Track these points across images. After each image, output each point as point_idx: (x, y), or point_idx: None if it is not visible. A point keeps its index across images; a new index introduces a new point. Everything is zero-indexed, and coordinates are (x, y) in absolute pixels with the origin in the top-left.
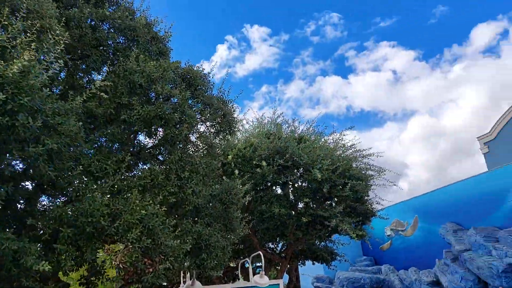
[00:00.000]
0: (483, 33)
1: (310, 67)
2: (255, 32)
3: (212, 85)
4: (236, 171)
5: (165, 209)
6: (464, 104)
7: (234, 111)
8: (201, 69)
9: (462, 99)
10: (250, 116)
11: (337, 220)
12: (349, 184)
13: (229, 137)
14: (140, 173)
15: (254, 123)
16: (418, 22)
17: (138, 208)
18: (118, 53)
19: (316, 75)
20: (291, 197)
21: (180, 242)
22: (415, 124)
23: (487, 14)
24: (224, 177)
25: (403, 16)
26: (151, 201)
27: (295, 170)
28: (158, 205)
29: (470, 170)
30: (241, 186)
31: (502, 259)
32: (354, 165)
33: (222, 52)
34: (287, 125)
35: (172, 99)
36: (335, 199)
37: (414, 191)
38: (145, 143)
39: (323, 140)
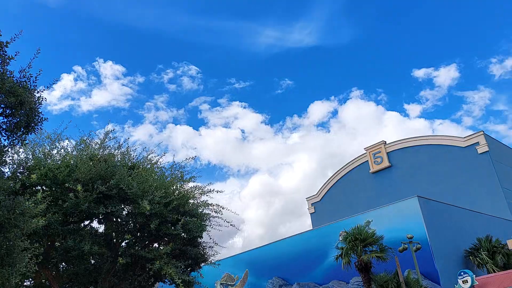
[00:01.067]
0: (318, 110)
1: (163, 113)
2: (108, 68)
3: (8, 59)
4: (40, 194)
5: None
6: (298, 168)
7: (39, 103)
8: None
9: (297, 163)
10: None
11: (162, 262)
12: (181, 220)
13: (33, 148)
14: None
15: (78, 144)
16: (267, 89)
17: None
18: None
19: (168, 122)
20: (113, 234)
21: None
22: (256, 182)
23: (323, 93)
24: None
25: (256, 81)
26: None
27: (121, 203)
28: None
29: (298, 228)
30: (33, 204)
31: None
32: (191, 202)
33: (67, 82)
34: (120, 151)
35: None
36: (166, 238)
37: (248, 246)
38: None
39: (159, 171)
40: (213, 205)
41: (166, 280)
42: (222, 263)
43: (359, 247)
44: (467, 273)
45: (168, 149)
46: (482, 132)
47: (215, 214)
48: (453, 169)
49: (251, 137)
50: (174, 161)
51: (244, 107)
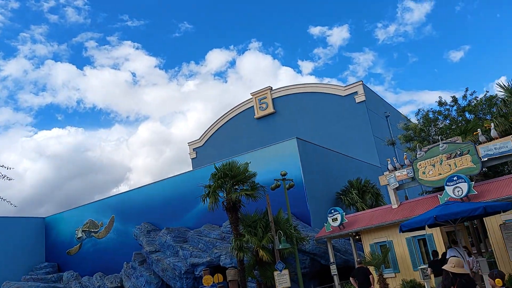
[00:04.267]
0: (216, 58)
1: (41, 47)
2: None
3: None
4: None
5: None
6: (191, 116)
7: None
8: None
9: (191, 112)
10: None
11: None
12: None
13: None
14: None
15: None
16: (164, 31)
17: None
18: None
19: (47, 57)
20: None
21: None
22: (146, 130)
23: (222, 41)
24: None
25: (152, 21)
26: None
27: None
28: None
29: None
30: None
31: (187, 259)
32: None
33: None
34: None
35: None
36: None
37: None
38: None
39: None
40: None
41: None
42: (85, 209)
43: (229, 184)
44: (337, 211)
45: (46, 88)
46: (361, 82)
47: None
48: (333, 116)
49: (143, 81)
50: None
51: (137, 48)
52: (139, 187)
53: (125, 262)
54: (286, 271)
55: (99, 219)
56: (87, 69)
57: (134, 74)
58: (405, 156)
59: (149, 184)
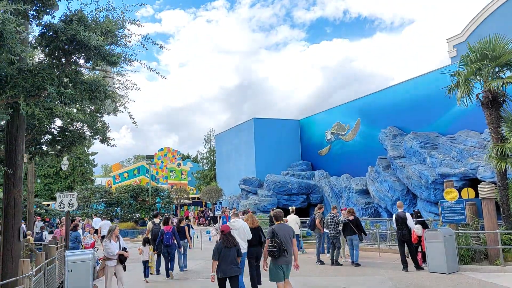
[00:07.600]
0: None
1: None
2: None
3: None
4: None
5: None
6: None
7: None
8: None
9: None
10: None
11: None
12: None
13: None
14: None
15: None
16: None
17: None
18: None
19: None
20: None
21: None
22: (409, 33)
23: None
24: None
25: None
26: None
27: None
28: None
29: None
30: None
31: (435, 168)
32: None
33: None
34: None
35: None
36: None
37: None
38: None
39: None
40: None
41: None
42: (333, 111)
43: (487, 69)
44: None
45: (316, 2)
46: None
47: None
48: None
49: None
50: None
51: None
52: (386, 88)
53: (369, 166)
54: None
55: (346, 122)
56: None
57: None
58: None
59: (397, 84)
